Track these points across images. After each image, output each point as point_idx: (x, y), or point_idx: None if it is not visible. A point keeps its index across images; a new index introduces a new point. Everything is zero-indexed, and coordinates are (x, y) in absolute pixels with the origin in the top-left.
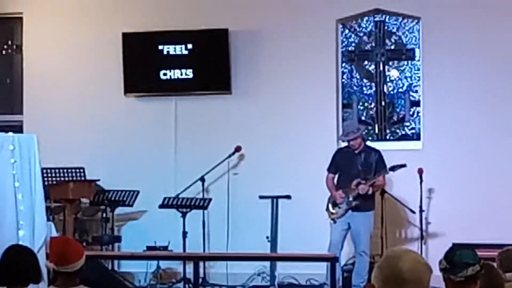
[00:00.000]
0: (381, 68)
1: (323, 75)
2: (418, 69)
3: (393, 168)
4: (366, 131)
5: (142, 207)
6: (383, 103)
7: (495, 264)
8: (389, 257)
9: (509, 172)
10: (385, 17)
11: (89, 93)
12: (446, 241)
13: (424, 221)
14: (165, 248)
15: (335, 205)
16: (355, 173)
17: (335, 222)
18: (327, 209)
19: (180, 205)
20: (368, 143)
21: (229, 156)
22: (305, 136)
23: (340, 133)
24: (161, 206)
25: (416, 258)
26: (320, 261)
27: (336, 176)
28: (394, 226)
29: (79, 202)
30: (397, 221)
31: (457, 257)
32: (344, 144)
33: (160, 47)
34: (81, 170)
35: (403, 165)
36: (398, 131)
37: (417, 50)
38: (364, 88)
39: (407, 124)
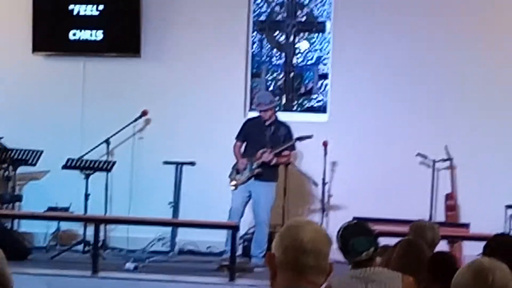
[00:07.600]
0: (292, 39)
1: (233, 43)
2: (328, 42)
3: (300, 138)
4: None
5: (45, 167)
6: (291, 74)
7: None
8: (290, 226)
9: (411, 147)
10: None
11: None
12: (347, 214)
13: (326, 194)
14: (66, 209)
15: (238, 172)
16: (263, 144)
17: (236, 188)
18: (230, 175)
19: (84, 166)
20: (277, 114)
21: (135, 119)
22: (213, 103)
23: (254, 102)
24: (64, 167)
25: (317, 229)
26: (222, 228)
27: (244, 145)
28: (297, 197)
29: None
30: (300, 192)
31: (350, 246)
32: (255, 114)
33: (71, 6)
34: None
35: (309, 136)
36: (305, 103)
37: (328, 23)
38: (274, 58)
39: (314, 96)
